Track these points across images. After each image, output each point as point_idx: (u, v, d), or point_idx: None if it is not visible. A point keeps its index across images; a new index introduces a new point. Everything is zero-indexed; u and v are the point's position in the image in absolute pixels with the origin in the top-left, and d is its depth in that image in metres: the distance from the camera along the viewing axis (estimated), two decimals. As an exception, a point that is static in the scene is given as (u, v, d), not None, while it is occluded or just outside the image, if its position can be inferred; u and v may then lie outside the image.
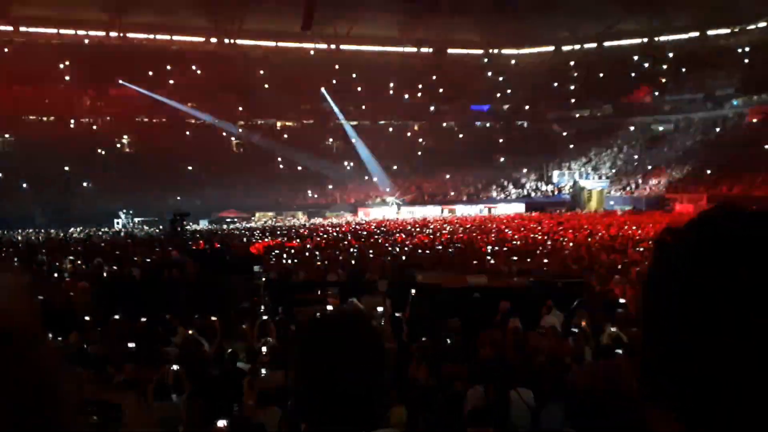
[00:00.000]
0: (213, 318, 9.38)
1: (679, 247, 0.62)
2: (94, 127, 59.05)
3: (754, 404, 0.55)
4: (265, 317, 9.87)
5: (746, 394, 0.55)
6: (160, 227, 38.95)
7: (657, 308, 0.63)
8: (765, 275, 0.54)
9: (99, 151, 54.27)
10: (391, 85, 68.10)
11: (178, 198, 49.45)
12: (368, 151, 59.27)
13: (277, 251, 21.87)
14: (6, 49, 58.97)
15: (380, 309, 8.56)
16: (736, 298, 0.55)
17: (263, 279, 13.99)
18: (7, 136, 54.06)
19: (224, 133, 61.32)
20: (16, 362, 0.54)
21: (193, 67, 63.34)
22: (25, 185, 46.71)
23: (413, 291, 10.49)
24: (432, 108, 68.36)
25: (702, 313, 0.57)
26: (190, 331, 8.79)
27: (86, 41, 64.44)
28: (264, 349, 7.87)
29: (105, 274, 15.60)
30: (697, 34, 65.78)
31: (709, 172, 51.56)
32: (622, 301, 11.01)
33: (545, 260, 17.83)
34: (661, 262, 0.63)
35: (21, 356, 0.55)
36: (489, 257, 18.94)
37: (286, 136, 62.24)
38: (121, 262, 17.70)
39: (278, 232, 33.25)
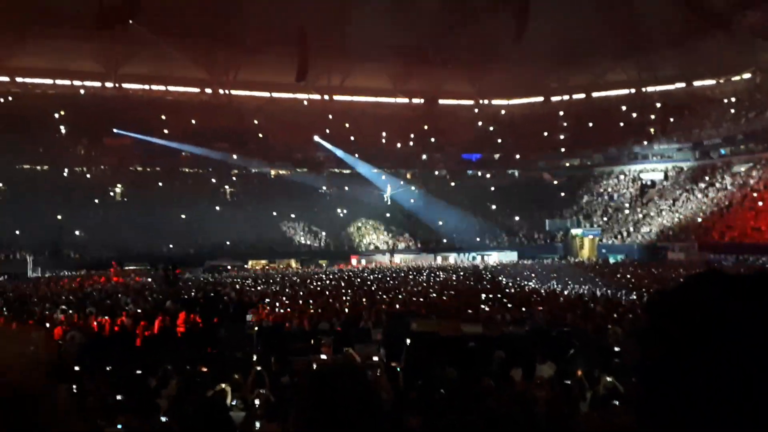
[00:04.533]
0: (204, 368, 9.28)
1: (666, 311, 0.72)
2: (88, 176, 59.22)
3: None
4: (258, 367, 9.77)
5: None
6: (152, 275, 38.71)
7: (649, 364, 0.72)
8: (740, 339, 0.63)
9: (92, 199, 54.25)
10: (384, 134, 68.92)
11: (171, 246, 49.30)
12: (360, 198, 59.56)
13: (268, 299, 21.74)
14: (2, 99, 59.59)
15: (375, 358, 8.49)
16: (715, 360, 0.64)
17: (256, 328, 13.88)
18: (1, 185, 54.08)
19: (215, 180, 61.58)
20: (32, 420, 0.61)
21: (188, 116, 64.02)
22: (18, 232, 46.51)
23: (408, 340, 10.42)
24: (424, 156, 69.04)
25: (686, 372, 0.66)
26: (182, 382, 8.68)
27: (82, 92, 65.28)
28: (257, 401, 7.77)
29: (96, 324, 15.45)
30: (683, 84, 67.33)
31: (699, 220, 51.99)
32: (617, 349, 10.96)
33: (540, 308, 17.79)
34: (651, 323, 0.74)
35: (35, 414, 0.62)
36: (483, 305, 18.88)
37: (279, 183, 62.52)
38: (113, 312, 17.54)
39: (271, 281, 33.09)
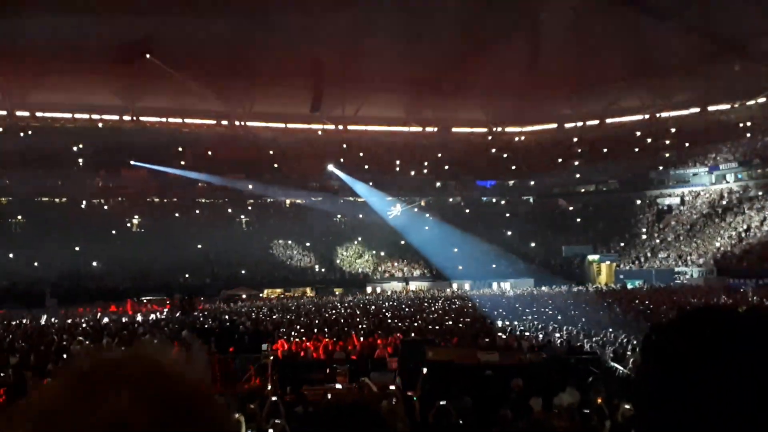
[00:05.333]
0: (219, 398, 9.24)
1: (661, 345, 0.77)
2: (105, 207, 59.89)
3: None
4: (274, 398, 9.71)
5: None
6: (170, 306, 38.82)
7: (645, 394, 0.77)
8: (733, 378, 0.67)
9: (110, 230, 54.76)
10: (398, 162, 69.19)
11: (187, 276, 49.53)
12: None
13: (284, 329, 21.71)
14: (22, 134, 60.71)
15: (392, 387, 8.42)
16: (707, 397, 0.68)
17: (272, 357, 13.84)
18: (20, 217, 54.84)
19: (231, 210, 61.99)
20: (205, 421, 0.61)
21: (204, 148, 64.79)
22: (36, 264, 47.02)
23: (424, 369, 10.33)
24: (438, 184, 69.11)
25: (679, 409, 0.71)
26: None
27: (100, 125, 66.40)
28: (271, 431, 7.71)
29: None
30: (698, 109, 67.17)
31: (718, 244, 51.43)
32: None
33: (558, 335, 17.61)
34: (647, 356, 0.80)
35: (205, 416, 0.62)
36: (500, 333, 18.71)
37: (294, 213, 62.78)
38: (130, 342, 17.58)
39: (286, 310, 33.04)
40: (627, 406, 8.23)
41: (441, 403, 8.48)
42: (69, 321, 28.86)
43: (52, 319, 29.49)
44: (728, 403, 0.67)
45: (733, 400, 0.66)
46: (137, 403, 0.56)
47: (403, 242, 58.87)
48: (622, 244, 57.26)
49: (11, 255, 47.31)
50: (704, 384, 0.68)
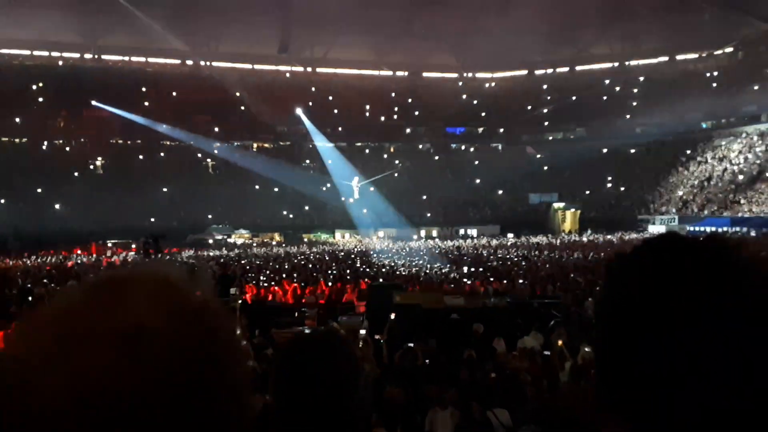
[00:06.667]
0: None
1: (624, 271, 0.77)
2: (68, 149, 58.39)
3: (694, 406, 0.67)
4: (243, 341, 9.80)
5: (687, 397, 0.67)
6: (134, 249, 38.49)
7: (608, 323, 0.76)
8: (691, 299, 0.68)
9: (73, 173, 53.57)
10: (367, 107, 68.51)
11: (153, 220, 48.94)
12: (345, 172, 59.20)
13: (253, 273, 21.76)
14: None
15: (362, 332, 8.57)
16: (669, 316, 0.69)
17: (239, 302, 13.87)
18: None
19: (199, 155, 60.95)
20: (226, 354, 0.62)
21: (169, 89, 63.15)
22: (-4, 208, 45.98)
23: (391, 313, 10.51)
24: (408, 130, 68.81)
25: (643, 327, 0.71)
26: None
27: (60, 63, 64.13)
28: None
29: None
30: (666, 58, 67.49)
31: (681, 193, 52.53)
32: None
33: (521, 281, 17.99)
34: (610, 282, 0.78)
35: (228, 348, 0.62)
36: (466, 279, 19.04)
37: (262, 157, 62.02)
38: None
39: (254, 255, 33.05)
40: (587, 349, 8.52)
41: (408, 345, 8.68)
42: (32, 263, 28.50)
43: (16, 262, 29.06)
44: (690, 335, 0.68)
45: (695, 331, 0.68)
46: (153, 309, 0.57)
47: (372, 189, 58.70)
48: (588, 192, 58.00)
49: (-30, 196, 46.14)
50: (666, 313, 0.69)
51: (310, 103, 65.39)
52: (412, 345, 8.59)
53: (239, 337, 0.66)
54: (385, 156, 67.20)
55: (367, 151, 66.84)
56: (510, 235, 47.15)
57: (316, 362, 1.36)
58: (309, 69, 71.94)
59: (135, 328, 0.55)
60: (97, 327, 0.55)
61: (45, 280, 19.12)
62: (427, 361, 8.04)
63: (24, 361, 0.55)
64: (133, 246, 40.39)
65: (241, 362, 0.64)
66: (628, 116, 63.19)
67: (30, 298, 14.44)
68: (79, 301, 0.59)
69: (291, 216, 56.05)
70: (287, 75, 71.45)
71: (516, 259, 26.32)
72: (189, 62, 68.75)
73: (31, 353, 0.55)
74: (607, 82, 68.92)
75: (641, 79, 67.16)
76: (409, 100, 70.04)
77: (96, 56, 65.37)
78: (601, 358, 0.75)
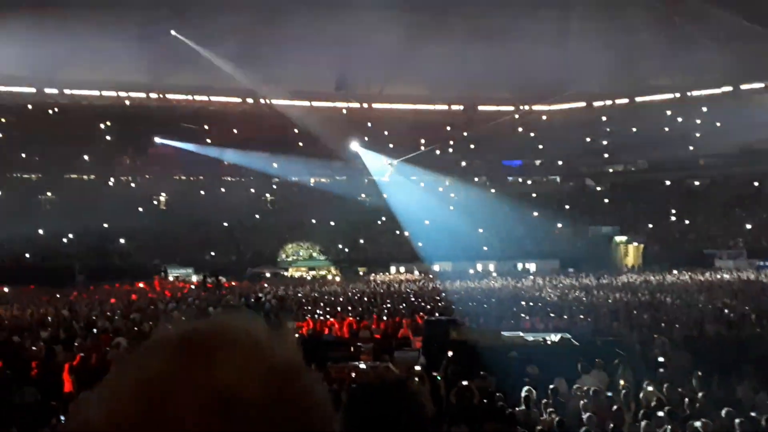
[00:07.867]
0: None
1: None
2: (133, 185, 60.57)
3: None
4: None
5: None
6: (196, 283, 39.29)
7: None
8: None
9: (138, 208, 55.41)
10: (422, 141, 68.70)
11: (213, 254, 50.02)
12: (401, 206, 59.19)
13: (309, 306, 21.85)
14: (50, 111, 61.50)
15: (417, 368, 8.44)
16: None
17: (296, 335, 13.89)
18: (49, 194, 55.76)
19: (253, 190, 62.29)
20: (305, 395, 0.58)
21: (230, 126, 65.06)
22: (64, 240, 47.83)
23: (449, 350, 10.31)
24: (463, 163, 68.56)
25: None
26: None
27: (127, 102, 67.05)
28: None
29: (141, 330, 15.70)
30: (730, 88, 65.60)
31: (749, 227, 50.53)
32: (661, 359, 10.66)
33: (581, 317, 17.45)
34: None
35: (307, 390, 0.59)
36: (524, 314, 18.60)
37: (318, 191, 62.77)
38: (158, 318, 17.84)
39: (309, 288, 33.26)
40: (650, 389, 8.14)
41: (463, 383, 8.47)
42: (97, 297, 29.36)
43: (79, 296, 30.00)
44: None
45: None
46: (245, 375, 0.53)
47: (427, 222, 58.43)
48: (651, 226, 56.21)
49: (41, 231, 48.13)
50: None
51: (366, 138, 66.05)
52: (466, 383, 8.39)
53: (327, 396, 0.62)
54: (441, 189, 66.96)
55: (422, 184, 66.74)
56: (570, 270, 45.81)
57: (390, 414, 1.33)
58: (365, 105, 72.96)
59: (227, 398, 0.51)
60: (185, 397, 0.51)
61: (109, 313, 19.64)
62: (484, 399, 7.83)
63: None
64: (195, 279, 41.35)
65: (331, 421, 0.61)
66: (691, 147, 61.36)
67: (95, 331, 14.83)
68: (160, 363, 0.54)
69: (346, 250, 56.28)
70: (344, 111, 72.63)
71: (577, 293, 25.62)
72: (249, 100, 70.78)
73: (113, 425, 0.51)
74: (669, 113, 67.30)
75: (704, 109, 65.31)
76: (465, 134, 69.91)
77: (161, 95, 68.05)
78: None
